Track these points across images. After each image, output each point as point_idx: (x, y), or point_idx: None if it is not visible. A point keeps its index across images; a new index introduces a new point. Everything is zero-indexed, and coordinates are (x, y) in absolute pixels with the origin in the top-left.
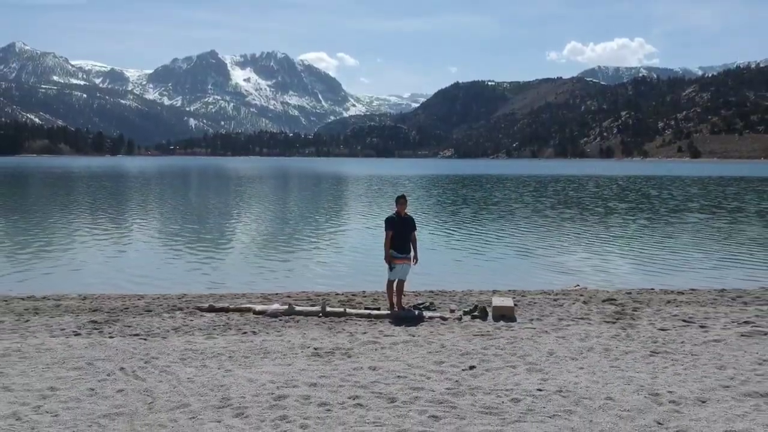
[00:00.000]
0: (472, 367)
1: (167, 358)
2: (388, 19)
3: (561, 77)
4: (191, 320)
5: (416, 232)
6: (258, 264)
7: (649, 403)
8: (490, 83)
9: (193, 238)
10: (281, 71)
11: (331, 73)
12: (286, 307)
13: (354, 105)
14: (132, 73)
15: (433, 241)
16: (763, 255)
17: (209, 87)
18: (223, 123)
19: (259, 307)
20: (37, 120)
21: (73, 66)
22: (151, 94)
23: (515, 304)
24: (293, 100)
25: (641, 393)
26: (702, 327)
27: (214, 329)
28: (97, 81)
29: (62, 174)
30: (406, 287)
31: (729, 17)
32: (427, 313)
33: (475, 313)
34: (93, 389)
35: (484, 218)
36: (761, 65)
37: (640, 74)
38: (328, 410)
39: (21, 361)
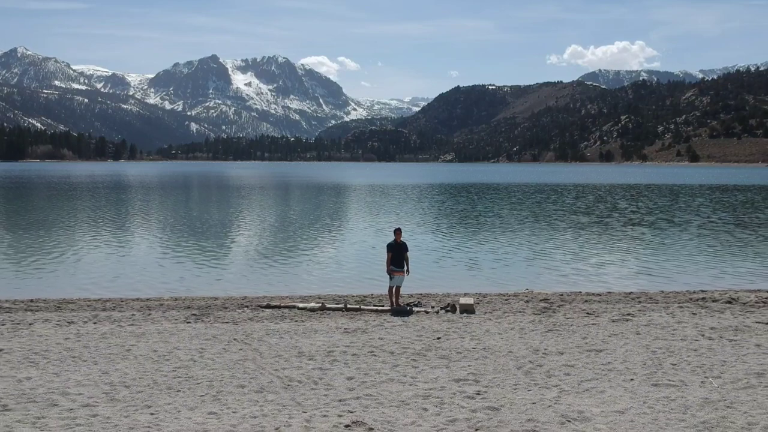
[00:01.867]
0: (438, 338)
1: (257, 334)
2: (389, 23)
3: (561, 81)
4: (257, 314)
5: (408, 253)
6: (288, 274)
7: (530, 353)
8: (490, 87)
9: (232, 253)
10: (282, 75)
11: (332, 77)
12: (320, 305)
13: (355, 109)
14: (133, 78)
15: (420, 255)
16: (679, 263)
17: (210, 91)
18: (224, 127)
19: (301, 305)
20: (39, 125)
21: (74, 71)
22: (153, 99)
23: (477, 303)
24: (294, 104)
25: (529, 349)
26: (596, 317)
27: (275, 319)
28: (99, 86)
29: (78, 183)
30: (401, 291)
31: (729, 21)
32: (415, 309)
33: (448, 309)
34: (225, 349)
35: (462, 232)
36: (761, 69)
37: (641, 78)
38: (357, 357)
39: (172, 336)
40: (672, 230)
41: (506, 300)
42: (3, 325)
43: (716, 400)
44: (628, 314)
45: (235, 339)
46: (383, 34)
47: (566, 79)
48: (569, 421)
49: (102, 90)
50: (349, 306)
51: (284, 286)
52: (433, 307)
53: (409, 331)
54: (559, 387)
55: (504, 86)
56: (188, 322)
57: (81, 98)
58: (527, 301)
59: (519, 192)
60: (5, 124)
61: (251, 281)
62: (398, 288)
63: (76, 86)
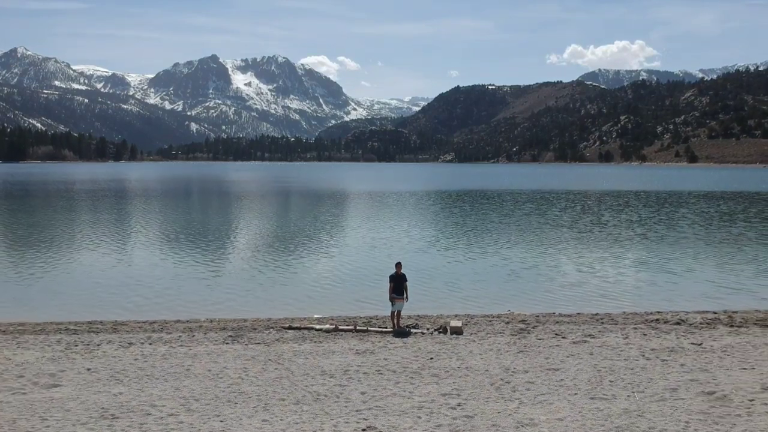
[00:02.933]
0: (431, 359)
1: (287, 355)
2: (389, 23)
3: (561, 81)
4: (282, 335)
5: (407, 282)
6: (303, 296)
7: (502, 372)
8: (490, 87)
9: (247, 273)
10: (282, 75)
11: (332, 77)
12: (334, 326)
13: (355, 109)
14: (133, 78)
15: (416, 279)
16: (642, 284)
17: (210, 91)
18: (224, 127)
19: (317, 326)
20: (39, 125)
21: (74, 71)
22: (153, 99)
23: (465, 324)
24: (294, 104)
25: (501, 368)
26: (562, 338)
27: (298, 339)
28: (99, 86)
29: (86, 190)
30: (402, 314)
31: (729, 21)
32: (413, 330)
33: (441, 330)
34: (263, 368)
35: (453, 251)
36: (761, 69)
37: (641, 77)
38: (368, 375)
39: (219, 357)
40: (645, 246)
41: (490, 321)
42: (76, 346)
43: (632, 410)
44: (589, 335)
45: (270, 360)
46: (383, 34)
47: (566, 79)
48: (522, 426)
49: (102, 90)
50: (358, 327)
51: (299, 307)
52: (428, 329)
53: (408, 351)
54: (519, 400)
55: (504, 86)
56: (227, 343)
57: (81, 98)
58: (507, 323)
59: (511, 201)
60: (5, 125)
61: (270, 301)
62: (399, 312)
63: (76, 86)
